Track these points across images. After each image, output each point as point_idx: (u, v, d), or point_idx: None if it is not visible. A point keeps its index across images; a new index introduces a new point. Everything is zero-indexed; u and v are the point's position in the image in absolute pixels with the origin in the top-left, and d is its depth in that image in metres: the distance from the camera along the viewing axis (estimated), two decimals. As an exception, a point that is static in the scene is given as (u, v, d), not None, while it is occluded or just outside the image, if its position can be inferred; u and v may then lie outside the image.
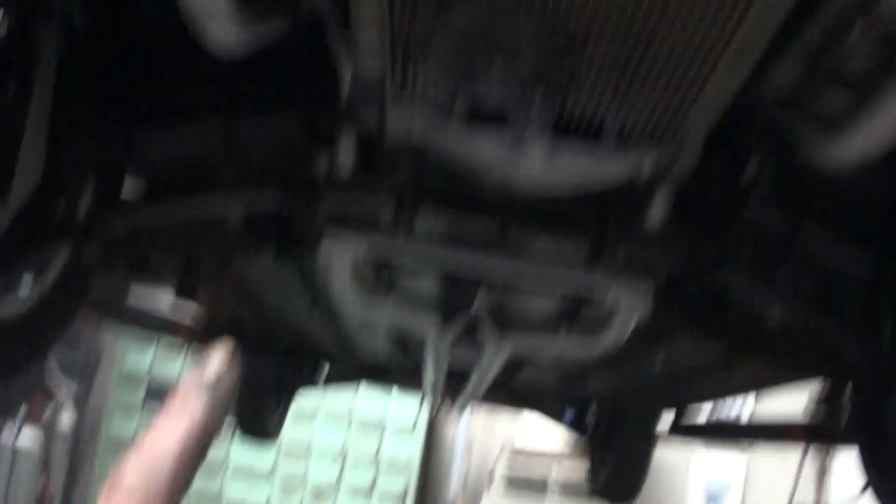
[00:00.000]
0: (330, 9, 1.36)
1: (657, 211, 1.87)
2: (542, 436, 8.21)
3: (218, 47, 1.35)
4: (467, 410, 8.26)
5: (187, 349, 4.29)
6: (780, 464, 8.27)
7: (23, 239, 1.85)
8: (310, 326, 4.15)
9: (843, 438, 2.79)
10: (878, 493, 2.38)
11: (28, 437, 8.61)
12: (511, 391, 5.08)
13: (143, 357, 9.32)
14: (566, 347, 2.34)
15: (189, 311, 3.98)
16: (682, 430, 4.70)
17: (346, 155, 1.87)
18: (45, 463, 8.86)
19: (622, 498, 6.32)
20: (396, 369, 4.99)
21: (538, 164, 1.47)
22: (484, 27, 1.23)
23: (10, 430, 8.49)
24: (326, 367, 5.49)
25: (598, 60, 1.30)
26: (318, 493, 9.04)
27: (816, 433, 3.45)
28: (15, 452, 8.49)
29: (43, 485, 8.81)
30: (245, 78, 2.00)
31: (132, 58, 1.97)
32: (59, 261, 2.11)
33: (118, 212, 2.10)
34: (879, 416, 2.21)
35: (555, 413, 5.57)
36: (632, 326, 2.19)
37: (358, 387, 6.54)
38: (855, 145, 1.32)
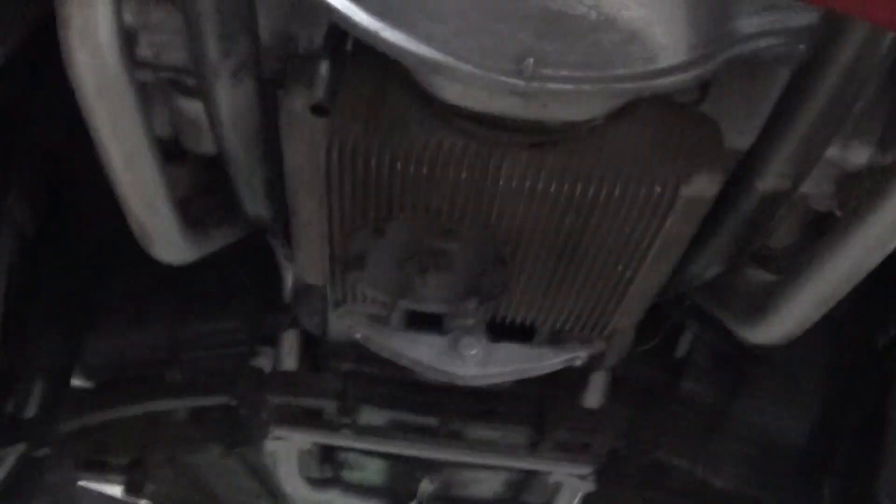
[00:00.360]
0: (273, 226, 1.44)
1: (594, 394, 1.94)
2: None
3: (164, 260, 1.40)
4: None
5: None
6: None
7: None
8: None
9: None
10: None
11: None
12: None
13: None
14: None
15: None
16: None
17: (289, 352, 1.93)
18: None
19: None
20: None
21: (473, 364, 1.55)
22: (417, 247, 1.32)
23: None
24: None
25: (527, 271, 1.39)
26: None
27: None
28: None
29: None
30: (191, 283, 2.07)
31: (81, 266, 2.02)
32: (9, 459, 2.12)
33: (71, 411, 2.13)
34: None
35: None
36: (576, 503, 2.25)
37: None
38: (778, 326, 1.38)
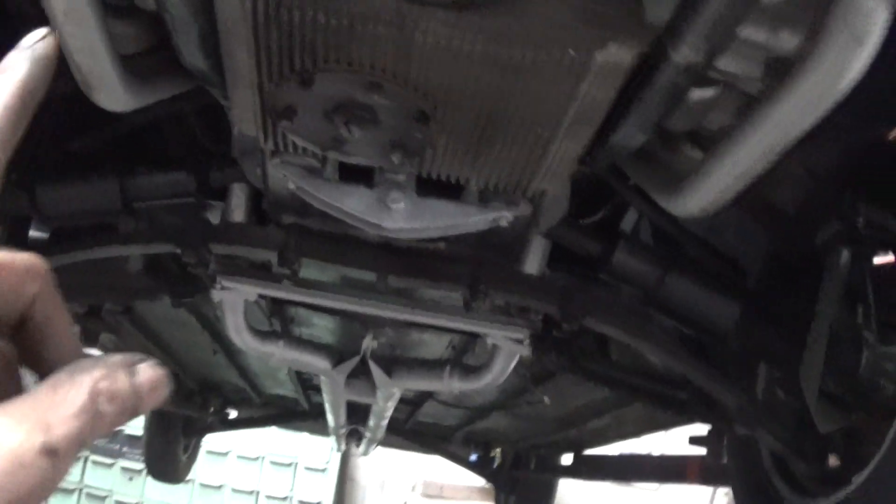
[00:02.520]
0: (212, 77, 1.47)
1: (533, 260, 2.00)
2: (453, 471, 8.27)
3: (106, 107, 1.43)
4: (378, 449, 8.32)
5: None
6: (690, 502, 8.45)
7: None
8: (215, 371, 4.23)
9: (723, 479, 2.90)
10: None
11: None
12: (414, 435, 5.19)
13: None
14: (449, 386, 2.45)
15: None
16: (581, 469, 4.83)
17: (237, 205, 1.98)
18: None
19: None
20: (302, 414, 5.06)
21: (400, 218, 1.60)
22: (343, 100, 1.36)
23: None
24: (236, 413, 5.55)
25: (448, 128, 1.43)
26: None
27: (707, 472, 3.59)
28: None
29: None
30: (140, 137, 2.10)
31: (37, 121, 2.05)
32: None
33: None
34: (753, 461, 2.32)
35: (458, 457, 5.68)
36: (510, 368, 2.33)
37: (270, 427, 6.62)
38: (696, 198, 1.43)
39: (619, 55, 1.22)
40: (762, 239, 2.14)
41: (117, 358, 0.61)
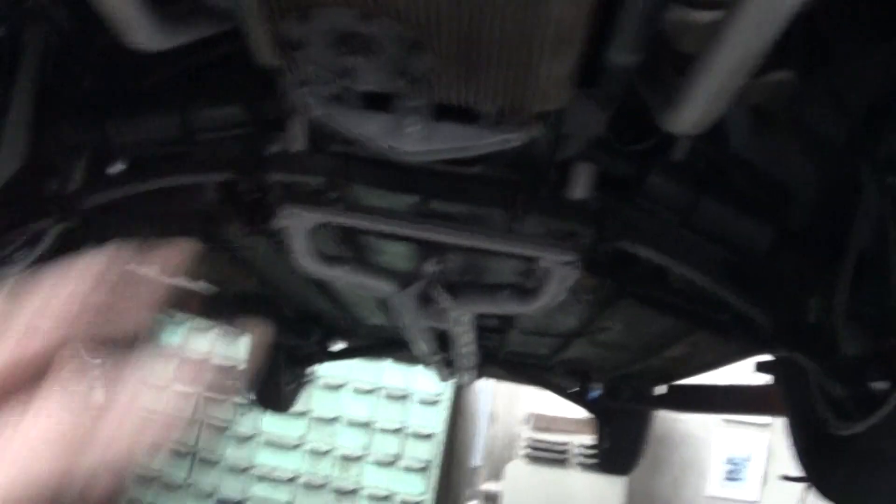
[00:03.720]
0: (235, 15, 1.59)
1: (577, 185, 2.08)
2: (563, 405, 8.37)
3: (139, 47, 1.55)
4: (490, 383, 8.45)
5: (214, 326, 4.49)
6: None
7: (13, 211, 2.08)
8: (311, 301, 4.40)
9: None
10: (805, 469, 2.51)
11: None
12: (512, 365, 5.29)
13: (175, 334, 9.59)
14: (508, 308, 2.56)
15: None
16: (672, 399, 4.90)
17: (294, 135, 2.11)
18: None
19: (619, 471, 6.54)
20: (399, 343, 5.21)
21: (417, 140, 1.72)
22: (343, 32, 1.47)
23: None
24: (340, 343, 5.74)
25: (443, 55, 1.53)
26: (346, 462, 9.29)
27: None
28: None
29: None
30: (198, 73, 2.24)
31: (104, 62, 2.20)
32: (51, 232, 2.35)
33: (100, 186, 2.34)
34: (800, 386, 2.37)
35: (559, 388, 5.78)
36: (563, 290, 2.41)
37: (383, 361, 6.78)
38: (684, 115, 1.50)
39: None
40: (810, 168, 2.18)
41: None
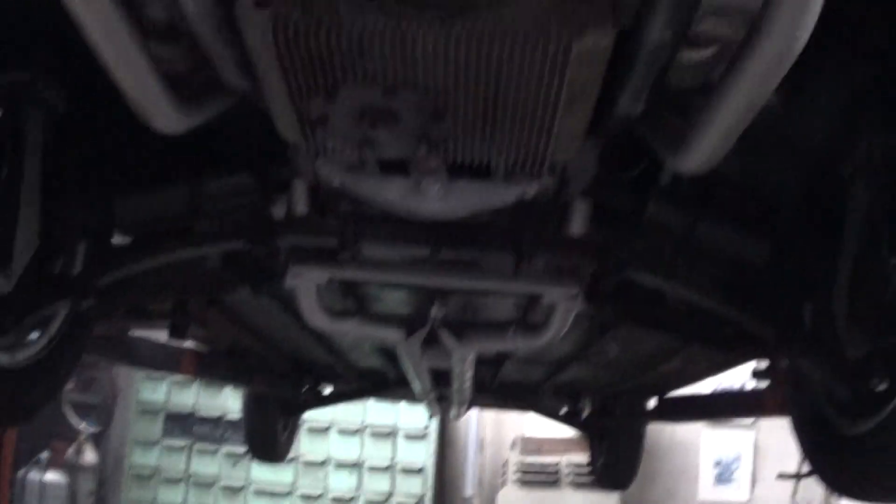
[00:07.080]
0: (254, 94, 1.66)
1: (577, 222, 2.15)
2: (550, 426, 8.37)
3: (161, 130, 1.61)
4: (475, 410, 8.49)
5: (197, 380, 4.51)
6: (789, 435, 8.46)
7: (27, 298, 2.11)
8: (304, 350, 4.43)
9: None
10: (815, 467, 2.57)
11: (55, 473, 9.05)
12: (503, 393, 5.34)
13: (159, 390, 9.58)
14: (514, 345, 2.63)
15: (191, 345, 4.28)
16: (665, 411, 4.96)
17: (298, 198, 2.16)
18: (73, 498, 9.20)
19: (618, 485, 6.59)
20: (391, 384, 5.24)
21: (435, 201, 1.79)
22: (366, 106, 1.55)
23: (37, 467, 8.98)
24: (330, 388, 5.76)
25: (462, 119, 1.61)
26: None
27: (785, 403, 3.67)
28: (43, 486, 8.94)
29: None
30: (206, 147, 2.29)
31: (106, 137, 2.24)
32: (61, 313, 2.38)
33: (109, 265, 2.37)
34: (805, 390, 2.43)
35: (549, 410, 5.83)
36: (568, 323, 2.48)
37: (367, 399, 6.83)
38: (697, 157, 1.56)
39: (596, 41, 1.39)
40: (794, 177, 2.24)
41: None
